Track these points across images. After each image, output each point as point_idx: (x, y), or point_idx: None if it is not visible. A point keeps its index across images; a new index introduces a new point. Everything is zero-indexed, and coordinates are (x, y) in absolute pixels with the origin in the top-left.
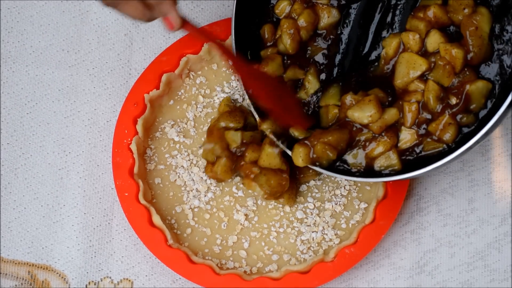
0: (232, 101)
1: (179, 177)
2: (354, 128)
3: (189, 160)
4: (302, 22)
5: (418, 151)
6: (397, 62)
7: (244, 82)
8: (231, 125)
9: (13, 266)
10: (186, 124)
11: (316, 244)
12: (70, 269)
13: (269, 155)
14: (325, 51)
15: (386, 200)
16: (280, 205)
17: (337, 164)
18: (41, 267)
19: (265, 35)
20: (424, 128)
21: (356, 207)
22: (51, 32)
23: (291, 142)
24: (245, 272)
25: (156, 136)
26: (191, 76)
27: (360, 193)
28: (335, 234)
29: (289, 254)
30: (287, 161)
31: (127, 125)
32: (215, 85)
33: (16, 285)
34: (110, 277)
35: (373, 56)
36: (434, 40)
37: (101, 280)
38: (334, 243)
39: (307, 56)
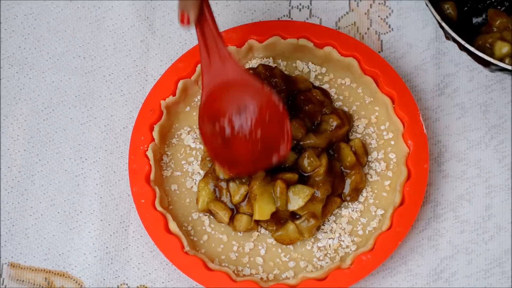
0: None
1: (195, 183)
2: None
3: None
4: None
5: None
6: None
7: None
8: None
9: (30, 272)
10: None
11: (333, 251)
12: (86, 276)
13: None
14: None
15: (403, 207)
16: None
17: None
18: (58, 274)
19: None
20: None
21: (373, 213)
22: (67, 38)
23: None
24: (261, 279)
25: (173, 143)
26: None
27: (376, 200)
28: (352, 241)
29: (306, 261)
30: None
31: (143, 132)
32: None
33: None
34: (126, 284)
35: None
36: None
37: (118, 287)
38: (351, 249)
39: None
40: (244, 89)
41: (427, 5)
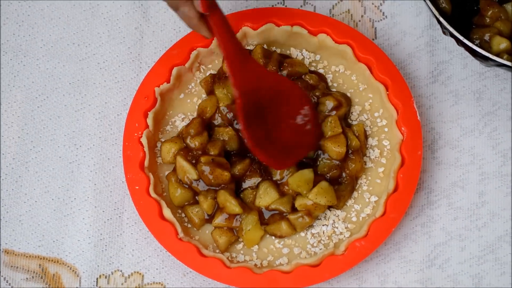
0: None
1: None
2: None
3: None
4: None
5: None
6: None
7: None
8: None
9: (24, 259)
10: None
11: (327, 238)
12: (81, 262)
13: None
14: None
15: (396, 194)
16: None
17: None
18: (52, 260)
19: None
20: None
21: (367, 200)
22: (61, 25)
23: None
24: (255, 265)
25: (167, 130)
26: (202, 70)
27: (370, 187)
28: (346, 228)
29: (300, 248)
30: None
31: (137, 119)
32: None
33: (27, 278)
34: (120, 270)
35: None
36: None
37: (112, 274)
38: (344, 236)
39: None
40: (278, 87)
41: (425, 1)
